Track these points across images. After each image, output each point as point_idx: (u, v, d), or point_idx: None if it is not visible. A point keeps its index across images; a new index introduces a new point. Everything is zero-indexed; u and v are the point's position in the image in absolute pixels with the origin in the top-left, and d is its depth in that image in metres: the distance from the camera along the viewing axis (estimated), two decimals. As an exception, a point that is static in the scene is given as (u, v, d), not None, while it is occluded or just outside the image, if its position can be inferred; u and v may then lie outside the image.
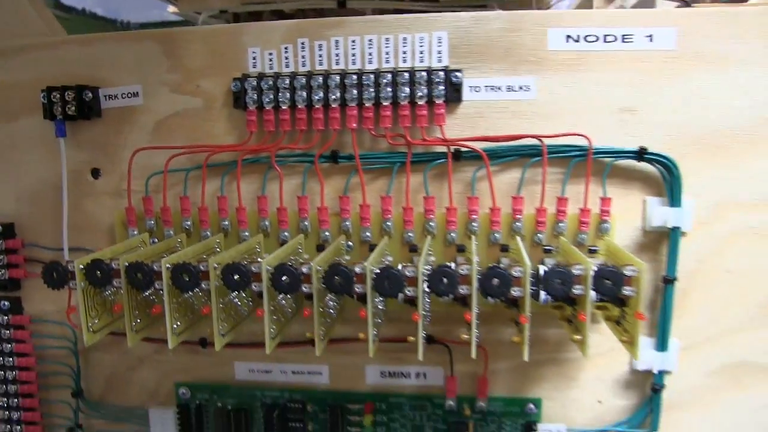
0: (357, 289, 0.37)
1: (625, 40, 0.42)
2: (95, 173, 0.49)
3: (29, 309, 0.52)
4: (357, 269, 0.37)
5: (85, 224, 0.49)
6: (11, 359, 0.51)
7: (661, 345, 0.44)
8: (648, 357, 0.44)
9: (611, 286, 0.35)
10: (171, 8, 0.86)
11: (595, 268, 0.35)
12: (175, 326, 0.39)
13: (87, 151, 0.49)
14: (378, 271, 0.36)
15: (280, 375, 0.49)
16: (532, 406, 0.46)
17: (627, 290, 0.36)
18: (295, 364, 0.49)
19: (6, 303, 0.51)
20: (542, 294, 0.36)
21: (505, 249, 0.43)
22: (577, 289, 0.36)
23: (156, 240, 0.47)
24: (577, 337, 0.38)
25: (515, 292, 0.36)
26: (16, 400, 0.51)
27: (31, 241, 0.51)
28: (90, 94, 0.47)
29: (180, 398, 0.50)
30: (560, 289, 0.36)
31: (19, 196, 0.51)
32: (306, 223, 0.45)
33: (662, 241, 0.43)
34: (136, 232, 0.47)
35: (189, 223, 0.47)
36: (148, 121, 0.47)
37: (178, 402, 0.50)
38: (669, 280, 0.43)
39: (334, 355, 0.48)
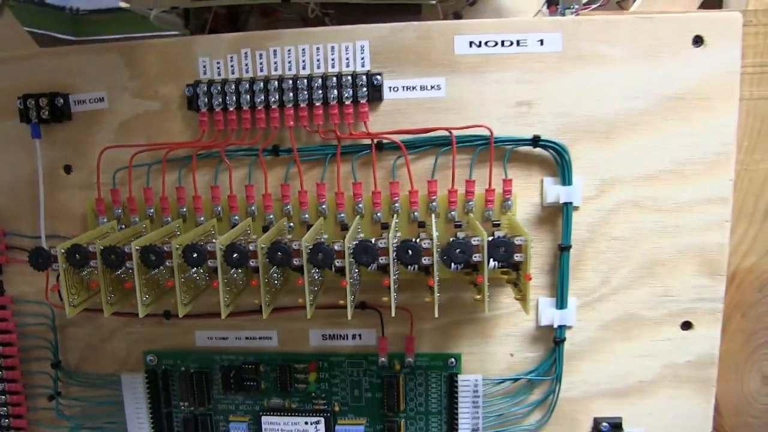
0: (295, 263, 0.46)
1: (520, 44, 0.52)
2: (67, 169, 0.58)
3: (10, 291, 0.60)
4: (295, 245, 0.46)
5: (59, 214, 0.58)
6: (-4, 336, 0.60)
7: (561, 303, 0.54)
8: (549, 314, 0.54)
9: (504, 253, 0.45)
10: (122, 2, 0.93)
11: (490, 239, 0.45)
12: (144, 299, 0.48)
13: (59, 150, 0.57)
14: (312, 246, 0.45)
15: (235, 341, 0.58)
16: (453, 360, 0.56)
17: (517, 256, 0.45)
18: (247, 330, 0.58)
19: (-10, 286, 0.59)
20: (452, 264, 0.46)
21: (422, 225, 0.52)
22: (476, 257, 0.45)
23: (123, 226, 0.56)
24: (478, 297, 0.47)
25: (425, 260, 0.45)
26: (1, 372, 0.60)
27: (11, 230, 0.59)
28: (62, 100, 0.56)
29: (148, 365, 0.59)
30: (461, 257, 0.45)
31: (-1, 191, 0.59)
32: (253, 208, 0.54)
33: (558, 215, 0.53)
34: (105, 220, 0.56)
35: (152, 210, 0.55)
36: (112, 122, 0.56)
37: (146, 368, 0.59)
38: (564, 248, 0.53)
39: (281, 321, 0.57)
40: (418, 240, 0.46)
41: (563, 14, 1.13)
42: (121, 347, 0.60)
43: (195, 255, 0.47)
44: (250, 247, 0.47)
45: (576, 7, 1.13)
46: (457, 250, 0.45)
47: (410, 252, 0.45)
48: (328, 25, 1.07)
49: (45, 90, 0.56)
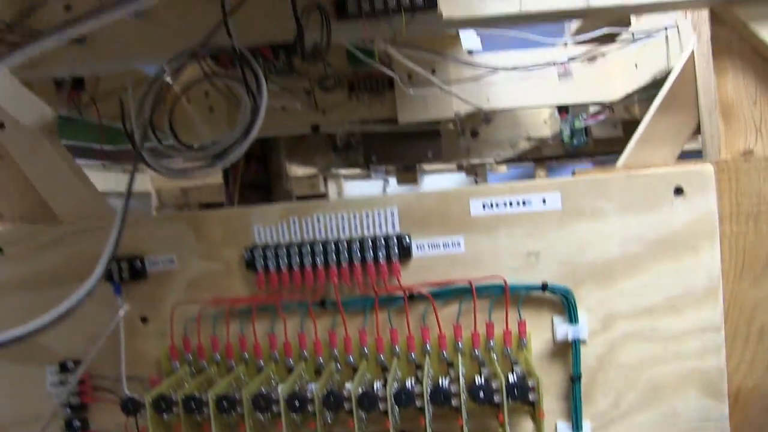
0: (345, 407, 0.58)
1: (526, 204, 0.64)
2: (144, 320, 0.71)
3: (94, 427, 0.73)
4: (345, 392, 0.58)
5: (137, 358, 0.71)
6: (84, 468, 0.72)
7: (576, 428, 0.65)
8: (567, 435, 0.65)
9: (519, 393, 0.56)
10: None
11: (506, 382, 0.56)
12: (217, 440, 0.60)
13: (137, 304, 0.71)
14: (360, 392, 0.57)
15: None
16: (484, 478, 0.66)
17: (531, 396, 0.57)
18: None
19: (77, 422, 0.72)
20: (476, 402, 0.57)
21: (450, 364, 0.64)
22: (496, 398, 0.57)
23: (194, 370, 0.68)
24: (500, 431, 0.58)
25: (454, 402, 0.57)
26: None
27: (96, 372, 0.72)
28: (139, 263, 0.69)
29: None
30: (484, 398, 0.57)
31: (85, 341, 0.72)
32: (305, 352, 0.66)
33: (568, 349, 0.65)
34: (178, 365, 0.69)
35: (218, 356, 0.68)
36: (182, 280, 0.69)
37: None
38: (575, 379, 0.64)
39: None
40: (447, 381, 0.57)
41: (572, 123, 1.27)
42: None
43: (262, 402, 0.59)
44: (308, 395, 0.59)
45: (584, 116, 1.27)
46: (481, 393, 0.57)
47: (441, 395, 0.57)
48: (355, 149, 1.22)
49: (124, 253, 0.69)
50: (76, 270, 0.70)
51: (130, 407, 0.62)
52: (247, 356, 0.68)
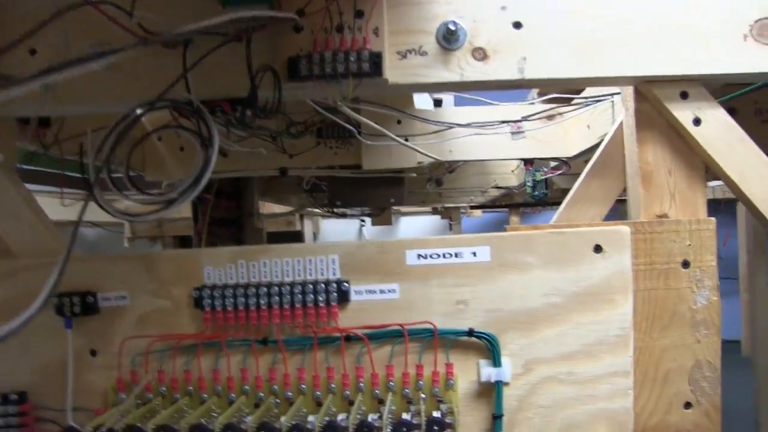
0: (279, 439, 0.64)
1: (458, 256, 0.71)
2: (93, 353, 0.76)
3: (39, 457, 0.77)
4: (277, 425, 0.64)
5: (84, 390, 0.75)
6: (26, 497, 0.76)
7: (497, 462, 0.71)
8: (489, 472, 0.72)
9: (438, 430, 0.63)
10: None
11: (426, 419, 0.63)
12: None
13: (87, 337, 0.75)
14: (291, 425, 0.63)
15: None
16: None
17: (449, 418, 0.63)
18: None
19: (25, 459, 0.76)
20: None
21: (381, 402, 0.70)
22: (417, 432, 0.63)
23: (140, 402, 0.73)
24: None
25: (380, 436, 0.63)
26: None
27: (40, 403, 0.76)
28: (92, 298, 0.74)
29: None
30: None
31: (32, 372, 0.76)
32: (247, 387, 0.72)
33: (492, 390, 0.71)
34: (124, 397, 0.74)
35: (164, 388, 0.73)
36: (132, 316, 0.75)
37: None
38: (497, 417, 0.71)
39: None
40: (376, 417, 0.64)
41: (534, 175, 1.36)
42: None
43: (201, 435, 0.64)
44: (242, 427, 0.65)
45: (545, 169, 1.36)
46: (403, 429, 0.63)
47: (366, 430, 0.63)
48: (323, 191, 1.29)
49: (77, 287, 0.74)
50: (29, 304, 0.75)
51: (74, 436, 0.66)
52: (191, 389, 0.73)
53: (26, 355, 0.77)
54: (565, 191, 1.49)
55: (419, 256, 0.72)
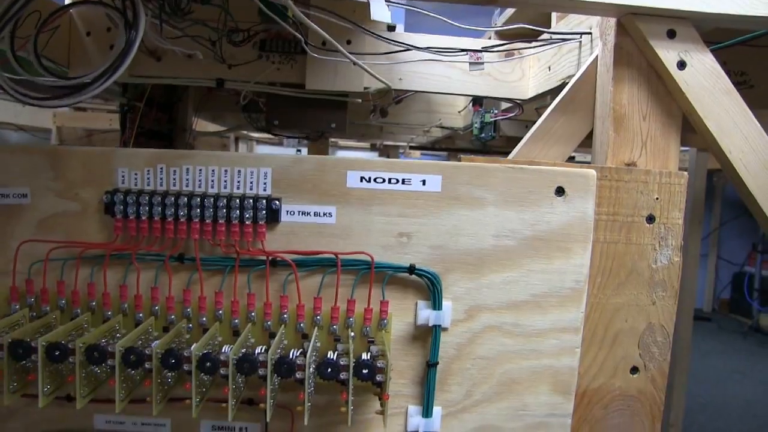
0: (185, 368, 0.58)
1: (405, 183, 0.65)
2: (-15, 256, 0.68)
3: None
4: (186, 353, 0.58)
5: (-26, 297, 0.68)
6: None
7: (426, 412, 0.67)
8: (416, 421, 0.67)
9: (367, 373, 0.58)
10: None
11: (355, 361, 0.57)
12: (45, 389, 0.59)
13: (-21, 238, 0.68)
14: (201, 354, 0.57)
15: (132, 426, 0.69)
16: (327, 457, 0.68)
17: (378, 377, 0.58)
18: (144, 417, 0.69)
19: None
20: (323, 378, 0.58)
21: (305, 337, 0.65)
22: (343, 375, 0.58)
23: (34, 314, 0.66)
24: (343, 409, 0.60)
25: (298, 375, 0.58)
26: None
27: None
28: (-15, 193, 0.67)
29: (46, 445, 0.69)
30: (331, 374, 0.58)
31: None
32: (157, 308, 0.66)
33: (429, 334, 0.66)
34: (18, 307, 0.67)
35: (63, 302, 0.67)
36: (33, 218, 0.67)
37: (44, 448, 0.69)
38: (431, 365, 0.66)
39: (175, 411, 0.68)
40: (297, 353, 0.58)
41: (483, 116, 1.30)
42: (20, 428, 0.70)
43: (96, 354, 0.58)
44: (146, 352, 0.58)
45: (495, 111, 1.30)
46: (328, 369, 0.58)
47: (286, 367, 0.57)
48: (261, 110, 1.21)
49: (-30, 181, 0.67)
50: None
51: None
52: (94, 305, 0.67)
53: None
54: (512, 139, 1.44)
55: (362, 178, 0.65)
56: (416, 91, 1.14)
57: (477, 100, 1.32)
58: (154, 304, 0.66)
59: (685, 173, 0.71)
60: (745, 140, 0.71)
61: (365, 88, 1.03)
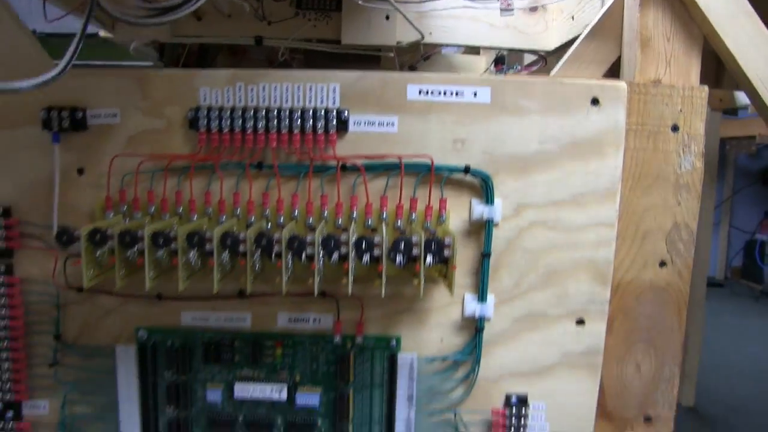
0: (276, 249, 0.67)
1: (458, 95, 0.74)
2: (80, 171, 0.77)
3: (19, 273, 0.78)
4: (275, 236, 0.67)
5: (70, 209, 0.76)
6: (4, 310, 0.77)
7: (482, 298, 0.75)
8: (472, 307, 0.76)
9: (436, 248, 0.67)
10: (103, 32, 1.12)
11: (426, 239, 0.66)
12: (150, 274, 0.67)
13: (75, 155, 0.76)
14: (289, 237, 0.66)
15: (215, 321, 0.78)
16: (394, 342, 0.77)
17: (446, 252, 0.67)
18: (227, 312, 0.77)
19: (2, 267, 0.77)
20: (398, 257, 0.67)
21: (374, 230, 0.73)
22: (415, 251, 0.67)
23: (127, 220, 0.75)
24: (416, 281, 0.68)
25: (376, 252, 0.66)
26: (6, 342, 0.77)
27: (26, 219, 0.77)
28: (81, 114, 0.75)
29: (139, 339, 0.78)
30: (405, 250, 0.66)
31: (16, 187, 0.77)
32: (238, 211, 0.74)
33: (482, 229, 0.75)
34: (112, 215, 0.75)
35: (153, 209, 0.75)
36: (123, 135, 0.76)
37: (138, 342, 0.78)
38: (485, 255, 0.75)
39: (255, 306, 0.77)
40: (372, 239, 0.67)
41: (506, 73, 1.38)
42: (116, 324, 0.78)
43: (196, 239, 0.67)
44: (240, 236, 0.67)
45: (518, 67, 1.39)
46: (402, 244, 0.66)
47: (365, 244, 0.66)
48: (294, 68, 1.29)
49: (65, 103, 0.75)
50: (8, 116, 0.76)
51: (65, 238, 0.68)
52: (181, 211, 0.75)
53: (11, 170, 0.77)
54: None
55: (420, 91, 0.74)
56: (445, 45, 1.22)
57: (499, 60, 1.40)
58: (236, 208, 0.74)
59: (706, 87, 0.80)
60: (765, 60, 0.80)
61: (397, 42, 1.12)
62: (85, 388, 0.79)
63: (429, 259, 0.67)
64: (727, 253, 3.77)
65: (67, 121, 0.75)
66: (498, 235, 0.76)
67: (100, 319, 0.79)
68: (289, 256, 0.68)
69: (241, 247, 0.67)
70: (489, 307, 0.76)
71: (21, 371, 0.79)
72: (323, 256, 0.67)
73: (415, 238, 0.67)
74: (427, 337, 0.78)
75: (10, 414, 0.79)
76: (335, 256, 0.67)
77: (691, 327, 1.84)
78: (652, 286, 0.80)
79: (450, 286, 0.68)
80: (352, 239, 0.66)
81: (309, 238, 0.67)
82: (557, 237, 0.76)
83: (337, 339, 0.76)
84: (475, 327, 0.77)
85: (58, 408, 0.80)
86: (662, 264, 0.80)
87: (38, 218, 0.77)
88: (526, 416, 0.78)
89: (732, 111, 3.00)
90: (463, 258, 0.76)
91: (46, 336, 0.79)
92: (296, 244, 0.66)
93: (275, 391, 0.76)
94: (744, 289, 3.53)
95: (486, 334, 0.77)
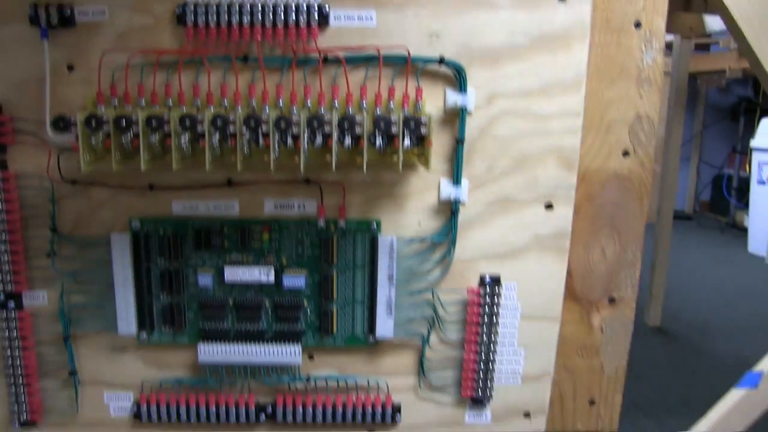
0: (263, 128, 0.71)
1: (433, -11, 0.79)
2: (70, 68, 0.80)
3: (13, 169, 0.82)
4: (264, 116, 0.71)
5: (61, 105, 0.80)
6: (1, 205, 0.81)
7: (456, 182, 0.81)
8: (448, 190, 0.81)
9: (414, 126, 0.72)
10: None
11: (405, 116, 0.71)
12: (145, 156, 0.72)
13: (64, 52, 0.80)
14: (276, 117, 0.71)
15: (205, 209, 0.82)
16: (374, 225, 0.82)
17: (423, 129, 0.72)
18: (215, 200, 0.82)
19: (-3, 163, 0.81)
20: (378, 140, 0.72)
21: (355, 117, 0.78)
22: (394, 129, 0.72)
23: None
24: (395, 158, 0.73)
25: (357, 130, 0.71)
26: (5, 235, 0.81)
27: (19, 115, 0.81)
28: (69, 11, 0.78)
29: (132, 229, 0.82)
30: (384, 127, 0.71)
31: (6, 83, 0.80)
32: (225, 102, 0.78)
33: (456, 117, 0.80)
34: (103, 109, 0.79)
35: (143, 101, 0.79)
36: (111, 32, 0.79)
37: (131, 231, 0.82)
38: (459, 141, 0.80)
39: (242, 193, 0.82)
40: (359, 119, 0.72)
41: None
42: (109, 216, 0.83)
43: (188, 122, 0.71)
44: (230, 117, 0.72)
45: None
46: (382, 123, 0.71)
47: (347, 122, 0.71)
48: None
49: (53, 0, 0.78)
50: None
51: (61, 124, 0.72)
52: (171, 103, 0.79)
53: (1, 67, 0.80)
54: None
55: (397, -14, 0.78)
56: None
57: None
58: (223, 99, 0.78)
59: (666, -18, 0.85)
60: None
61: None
62: (82, 278, 0.84)
63: (407, 136, 0.72)
64: (696, 187, 3.89)
65: (55, 18, 0.78)
66: (471, 124, 0.81)
67: (94, 210, 0.83)
68: (276, 138, 0.72)
69: (231, 128, 0.72)
70: (463, 191, 0.82)
71: (20, 263, 0.83)
72: (308, 136, 0.72)
73: (393, 118, 0.72)
74: (406, 220, 0.83)
75: (11, 304, 0.84)
76: (319, 137, 0.72)
77: (659, 255, 1.92)
78: (616, 174, 0.87)
79: (427, 162, 0.74)
80: (335, 119, 0.71)
81: (295, 119, 0.71)
82: (527, 125, 0.82)
83: (321, 223, 0.81)
84: (450, 210, 0.82)
85: (57, 298, 0.84)
86: (625, 153, 0.86)
87: (30, 114, 0.80)
88: (499, 295, 0.85)
89: (704, 46, 3.08)
90: (439, 145, 0.81)
91: (42, 229, 0.83)
92: (283, 124, 0.71)
93: (263, 274, 0.81)
94: (711, 221, 3.66)
95: (461, 217, 0.83)
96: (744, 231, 3.18)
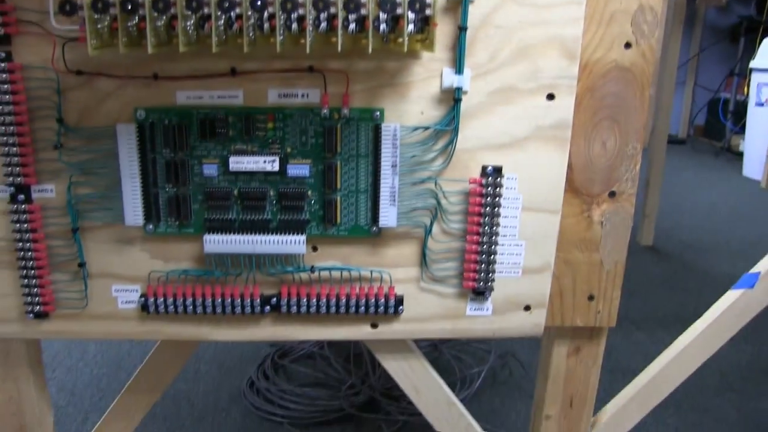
0: (268, 11, 0.72)
1: None
2: (72, -42, 0.81)
3: (18, 60, 0.83)
4: None
5: (63, -3, 0.81)
6: (7, 96, 0.83)
7: (459, 70, 0.82)
8: (450, 79, 0.83)
9: (419, 7, 0.73)
10: None
11: (407, -1, 0.73)
12: (152, 40, 0.73)
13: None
14: None
15: (209, 99, 0.84)
16: (377, 113, 0.84)
17: (428, 10, 0.73)
18: (219, 90, 0.83)
19: (2, 53, 0.82)
20: (382, 25, 0.73)
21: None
22: (399, 10, 0.73)
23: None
24: (399, 40, 0.75)
25: (363, 11, 0.72)
26: (12, 127, 0.83)
27: (22, 5, 0.82)
28: None
29: (138, 118, 0.84)
30: (390, 7, 0.72)
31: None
32: (229, -11, 0.79)
33: (459, 4, 0.81)
34: (106, -2, 0.80)
35: (146, -10, 0.80)
36: None
37: (137, 121, 0.84)
38: (462, 29, 0.81)
39: (246, 82, 0.83)
40: None
41: None
42: (115, 107, 0.84)
43: (195, 2, 0.72)
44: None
45: None
46: (387, 4, 0.72)
47: (353, 2, 0.72)
48: None
49: None
50: None
51: (67, 8, 0.73)
52: (173, -9, 0.80)
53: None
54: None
55: None
56: None
57: None
58: (226, -14, 0.79)
59: None
60: None
61: None
62: (89, 169, 0.86)
63: (410, 27, 0.74)
64: (690, 111, 3.89)
65: None
66: (473, 12, 0.82)
67: (100, 102, 0.84)
68: (283, 18, 0.73)
69: (237, 10, 0.73)
70: (466, 80, 0.83)
71: (28, 155, 0.85)
72: (313, 19, 0.73)
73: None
74: (409, 109, 0.85)
75: (21, 197, 0.86)
76: (324, 20, 0.73)
77: (652, 177, 1.94)
78: (617, 65, 0.88)
79: (431, 45, 0.75)
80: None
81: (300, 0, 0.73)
82: (529, 14, 0.83)
83: (325, 111, 0.83)
84: (453, 98, 0.84)
85: (64, 191, 0.86)
86: (627, 45, 0.88)
87: (34, 4, 0.81)
88: (501, 186, 0.87)
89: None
90: (441, 33, 0.82)
91: (49, 121, 0.84)
92: (289, 5, 0.72)
93: (268, 163, 0.83)
94: (705, 146, 3.67)
95: (463, 107, 0.84)
96: (739, 155, 3.19)
